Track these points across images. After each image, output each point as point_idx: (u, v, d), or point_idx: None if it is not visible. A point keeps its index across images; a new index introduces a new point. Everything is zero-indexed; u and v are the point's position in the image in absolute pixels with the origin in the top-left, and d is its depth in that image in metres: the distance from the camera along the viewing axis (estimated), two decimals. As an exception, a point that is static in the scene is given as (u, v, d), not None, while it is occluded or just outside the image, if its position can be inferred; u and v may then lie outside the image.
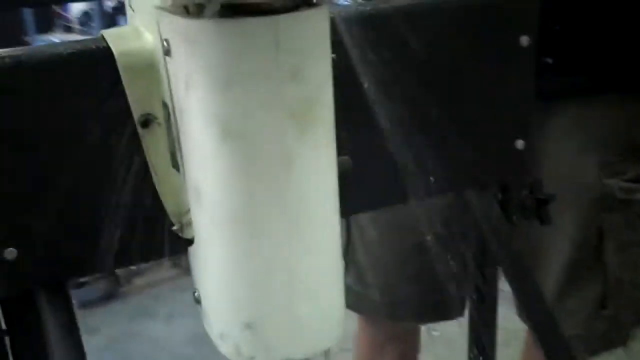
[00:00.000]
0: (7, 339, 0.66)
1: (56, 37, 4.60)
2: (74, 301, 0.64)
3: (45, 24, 4.68)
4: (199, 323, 0.57)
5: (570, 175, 0.82)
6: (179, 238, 0.61)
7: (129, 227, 0.62)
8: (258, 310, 0.52)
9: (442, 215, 0.80)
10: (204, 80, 0.47)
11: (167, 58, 0.51)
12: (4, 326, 0.66)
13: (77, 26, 4.45)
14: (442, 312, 1.26)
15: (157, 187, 0.60)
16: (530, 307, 0.78)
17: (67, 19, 4.32)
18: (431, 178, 0.73)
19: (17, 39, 4.57)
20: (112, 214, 0.61)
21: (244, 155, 0.48)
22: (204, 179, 0.50)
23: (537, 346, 1.28)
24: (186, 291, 0.59)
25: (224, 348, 0.54)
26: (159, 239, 0.62)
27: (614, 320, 1.19)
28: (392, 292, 1.19)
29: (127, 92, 0.56)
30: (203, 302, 0.56)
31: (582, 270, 1.15)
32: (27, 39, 4.59)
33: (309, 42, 0.47)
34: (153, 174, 0.60)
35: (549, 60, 0.75)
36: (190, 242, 0.58)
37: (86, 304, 2.51)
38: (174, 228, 0.61)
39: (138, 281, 2.77)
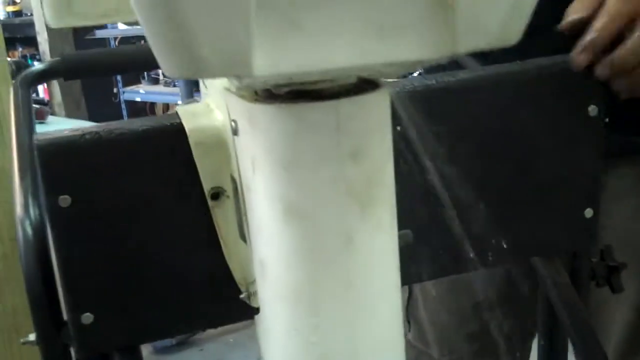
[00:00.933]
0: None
1: (142, 89, 4.78)
2: (149, 347, 0.66)
3: (134, 76, 4.88)
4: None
5: (630, 238, 0.81)
6: (247, 305, 0.63)
7: (199, 293, 0.64)
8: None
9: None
10: (268, 161, 0.49)
11: (235, 137, 0.53)
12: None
13: (162, 78, 4.62)
14: None
15: (225, 256, 0.62)
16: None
17: (154, 71, 4.49)
18: (503, 245, 0.73)
19: (108, 91, 4.79)
20: (183, 280, 0.64)
21: (305, 233, 0.49)
22: (269, 254, 0.52)
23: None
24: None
25: None
26: (228, 305, 0.64)
27: None
28: (451, 351, 1.18)
29: (198, 166, 0.59)
30: (267, 368, 0.58)
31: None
32: (115, 90, 4.80)
33: (370, 124, 0.48)
34: (222, 244, 0.62)
35: (606, 120, 0.74)
36: (257, 309, 0.60)
37: (161, 351, 2.56)
38: (242, 296, 0.63)
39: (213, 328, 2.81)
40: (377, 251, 0.51)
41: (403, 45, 0.35)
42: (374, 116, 0.48)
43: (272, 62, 0.34)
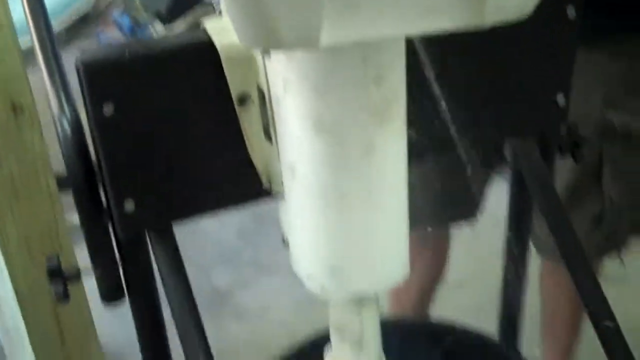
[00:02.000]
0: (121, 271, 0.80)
1: None
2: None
3: None
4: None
5: (577, 110, 0.92)
6: (263, 189, 0.73)
7: (225, 180, 0.74)
8: (341, 259, 0.65)
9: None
10: (301, 85, 0.57)
11: (266, 57, 0.61)
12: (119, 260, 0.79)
13: None
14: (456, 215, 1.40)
15: (249, 151, 0.71)
16: (562, 239, 0.89)
17: None
18: (485, 126, 0.83)
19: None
20: (211, 169, 0.73)
21: (333, 144, 0.59)
22: (299, 161, 0.61)
23: (552, 275, 1.44)
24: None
25: (311, 285, 0.67)
26: (248, 189, 0.74)
27: (608, 235, 1.34)
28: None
29: (228, 76, 0.66)
30: (293, 249, 0.69)
31: (582, 193, 1.29)
32: None
33: (390, 55, 0.56)
34: (247, 142, 0.71)
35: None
36: (270, 192, 0.70)
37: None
38: (264, 185, 0.73)
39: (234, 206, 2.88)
40: (391, 157, 0.61)
41: (440, 21, 0.42)
42: (392, 49, 0.56)
43: (336, 36, 0.42)
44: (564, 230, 0.85)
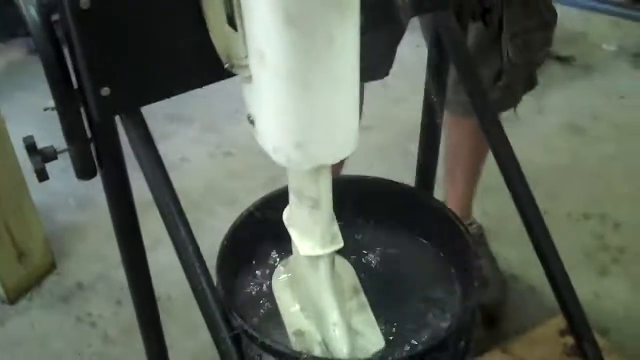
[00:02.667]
0: (92, 146, 0.87)
1: None
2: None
3: None
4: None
5: None
6: (223, 70, 0.80)
7: (189, 63, 0.81)
8: (305, 135, 0.75)
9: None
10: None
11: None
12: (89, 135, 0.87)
13: None
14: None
15: (211, 37, 0.78)
16: (473, 92, 1.01)
17: None
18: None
19: None
20: (177, 54, 0.80)
21: (301, 35, 0.67)
22: (268, 48, 0.70)
23: (456, 128, 1.61)
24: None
25: (277, 157, 0.78)
26: (211, 71, 0.82)
27: (506, 90, 1.50)
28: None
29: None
30: (258, 125, 0.78)
31: (484, 53, 1.44)
32: None
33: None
34: (209, 28, 0.78)
35: None
36: (230, 73, 0.79)
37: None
38: (226, 66, 0.80)
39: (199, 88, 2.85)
40: (348, 45, 0.70)
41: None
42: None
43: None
44: (476, 84, 0.98)
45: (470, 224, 1.85)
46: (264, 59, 0.71)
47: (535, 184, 1.05)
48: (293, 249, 0.92)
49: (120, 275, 1.89)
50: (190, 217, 0.85)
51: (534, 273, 1.88)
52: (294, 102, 0.72)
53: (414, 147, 2.09)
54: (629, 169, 2.21)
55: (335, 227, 0.88)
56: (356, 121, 0.78)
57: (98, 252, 1.98)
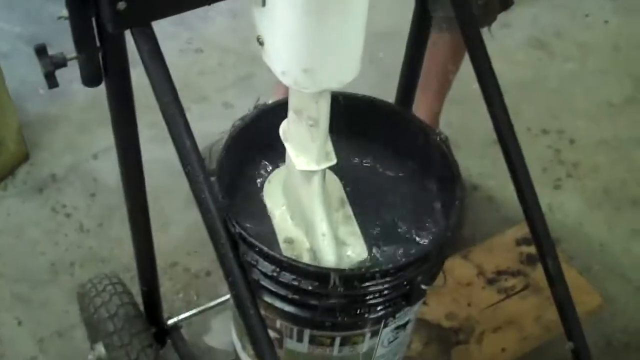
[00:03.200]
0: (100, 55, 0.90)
1: None
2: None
3: None
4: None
5: None
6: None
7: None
8: (313, 62, 0.80)
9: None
10: None
11: None
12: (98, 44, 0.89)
13: None
14: None
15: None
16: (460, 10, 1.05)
17: None
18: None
19: None
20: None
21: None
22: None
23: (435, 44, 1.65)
24: None
25: (285, 79, 0.82)
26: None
27: (484, 8, 1.56)
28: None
29: None
30: (267, 47, 0.82)
31: None
32: None
33: None
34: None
35: None
36: None
37: None
38: (237, -14, 0.83)
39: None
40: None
41: None
42: None
43: None
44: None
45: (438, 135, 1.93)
46: (282, -15, 0.75)
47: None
48: (287, 161, 0.98)
49: (93, 167, 1.96)
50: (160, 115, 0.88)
51: (492, 184, 1.99)
52: (306, 30, 0.77)
53: (382, 54, 2.16)
54: (589, 87, 2.30)
55: (329, 145, 0.94)
56: (361, 48, 0.82)
57: (71, 144, 2.00)
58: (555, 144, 2.12)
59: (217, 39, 2.35)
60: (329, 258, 0.96)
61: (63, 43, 0.89)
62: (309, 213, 0.97)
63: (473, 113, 2.11)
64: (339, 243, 0.98)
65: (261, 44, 0.84)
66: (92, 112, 2.01)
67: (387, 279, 0.91)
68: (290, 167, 0.98)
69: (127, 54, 0.92)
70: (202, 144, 1.71)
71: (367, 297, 0.93)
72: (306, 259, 0.98)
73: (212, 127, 1.95)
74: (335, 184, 1.05)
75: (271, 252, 0.91)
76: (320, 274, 0.90)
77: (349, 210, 1.03)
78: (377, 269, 0.90)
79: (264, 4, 0.80)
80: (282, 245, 0.99)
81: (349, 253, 0.99)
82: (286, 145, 0.95)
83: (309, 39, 0.77)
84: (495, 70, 1.05)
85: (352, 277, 0.90)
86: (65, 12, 0.85)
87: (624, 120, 2.20)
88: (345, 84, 0.84)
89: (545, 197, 1.93)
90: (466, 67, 1.73)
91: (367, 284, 0.91)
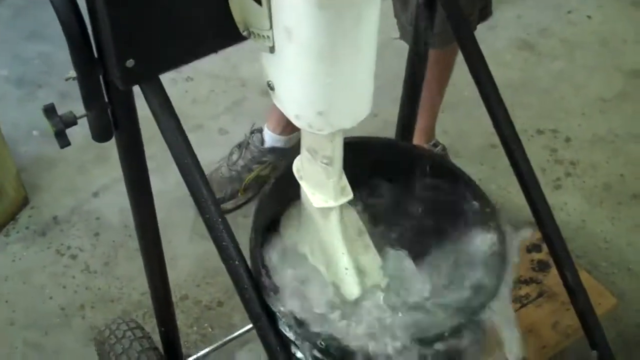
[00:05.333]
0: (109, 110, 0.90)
1: None
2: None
3: None
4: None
5: None
6: (239, 34, 0.84)
7: (206, 31, 0.84)
8: (327, 105, 0.80)
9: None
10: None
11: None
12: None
13: None
14: None
15: (230, 6, 0.81)
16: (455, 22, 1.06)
17: None
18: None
19: None
20: (194, 24, 0.83)
21: (331, 16, 0.72)
22: (296, 26, 0.73)
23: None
24: None
25: (299, 123, 0.83)
26: (225, 37, 0.85)
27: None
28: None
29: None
30: (279, 92, 0.82)
31: None
32: None
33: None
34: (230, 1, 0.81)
35: None
36: (240, 36, 0.82)
37: None
38: (244, 33, 0.83)
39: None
40: (372, 23, 0.75)
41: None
42: None
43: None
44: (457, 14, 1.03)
45: (435, 145, 1.94)
46: (291, 35, 0.75)
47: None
48: (302, 198, 0.98)
49: (94, 206, 1.95)
50: (158, 146, 0.88)
51: (494, 188, 1.99)
52: (319, 76, 0.77)
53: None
54: (579, 84, 2.32)
55: (345, 180, 0.95)
56: (372, 86, 0.83)
57: (70, 184, 1.99)
58: (551, 143, 2.13)
59: (206, 66, 2.35)
60: (353, 291, 0.96)
61: (52, 83, 0.89)
62: (330, 248, 0.97)
63: (467, 119, 2.13)
64: (361, 273, 0.98)
65: (272, 88, 0.84)
66: (89, 151, 2.00)
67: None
68: (306, 204, 0.98)
69: (136, 108, 0.92)
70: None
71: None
72: (329, 293, 0.98)
73: (210, 155, 1.96)
74: (352, 215, 1.05)
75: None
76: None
77: (367, 239, 1.03)
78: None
79: (272, 50, 0.80)
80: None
81: (369, 282, 1.00)
82: (301, 183, 0.95)
83: (322, 83, 0.78)
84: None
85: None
86: (72, 73, 0.85)
87: (617, 115, 2.22)
88: (358, 122, 0.84)
89: (547, 198, 1.94)
90: (457, 74, 1.76)
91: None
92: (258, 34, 0.82)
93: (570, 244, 1.81)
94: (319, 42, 0.74)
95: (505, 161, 1.09)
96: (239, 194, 1.90)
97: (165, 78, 0.84)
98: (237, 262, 0.87)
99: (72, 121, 0.89)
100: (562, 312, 1.43)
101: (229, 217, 1.82)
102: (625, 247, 1.89)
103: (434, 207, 1.07)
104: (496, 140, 1.08)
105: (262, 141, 1.90)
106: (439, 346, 0.88)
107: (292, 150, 1.91)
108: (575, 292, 1.08)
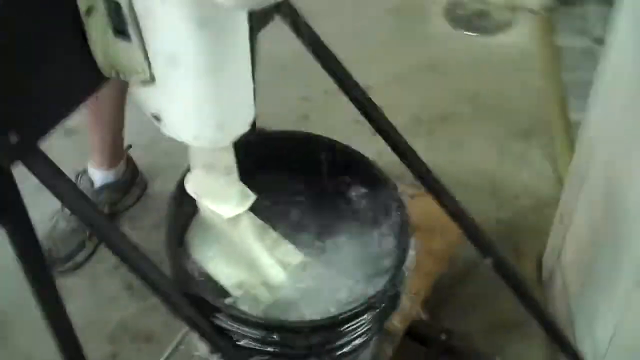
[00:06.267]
0: None
1: None
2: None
3: None
4: None
5: None
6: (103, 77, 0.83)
7: (73, 82, 0.82)
8: (224, 116, 0.83)
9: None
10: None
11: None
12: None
13: None
14: None
15: (94, 52, 0.80)
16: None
17: None
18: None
19: None
20: (63, 78, 0.81)
21: (213, 35, 0.74)
22: (181, 50, 0.75)
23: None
24: None
25: (198, 142, 0.84)
26: (90, 82, 0.84)
27: None
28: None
29: (77, -1, 0.74)
30: (168, 120, 0.83)
31: None
32: None
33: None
34: (92, 45, 0.80)
35: None
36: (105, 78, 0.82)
37: None
38: (111, 74, 0.83)
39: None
40: (245, 39, 0.79)
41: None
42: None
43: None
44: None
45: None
46: (176, 60, 0.76)
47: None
48: (202, 215, 1.00)
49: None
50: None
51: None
52: (211, 93, 0.80)
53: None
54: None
55: (242, 184, 0.97)
56: (252, 102, 0.86)
57: None
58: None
59: None
60: (282, 282, 1.00)
61: None
62: (247, 252, 1.00)
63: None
64: (285, 265, 1.02)
65: (158, 119, 0.84)
66: None
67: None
68: (209, 220, 0.99)
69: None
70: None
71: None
72: (263, 293, 1.01)
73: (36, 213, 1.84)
74: (249, 215, 1.08)
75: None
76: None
77: (273, 232, 1.07)
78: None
79: (151, 82, 0.80)
80: (235, 292, 1.01)
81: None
82: (202, 201, 0.97)
83: (218, 97, 0.80)
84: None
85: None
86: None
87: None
88: (250, 124, 0.88)
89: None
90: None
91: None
92: (129, 72, 0.82)
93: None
94: (206, 62, 0.76)
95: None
96: (86, 242, 1.83)
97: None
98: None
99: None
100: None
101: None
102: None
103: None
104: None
105: (92, 182, 1.84)
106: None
107: (123, 183, 1.87)
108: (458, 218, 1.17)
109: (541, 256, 1.75)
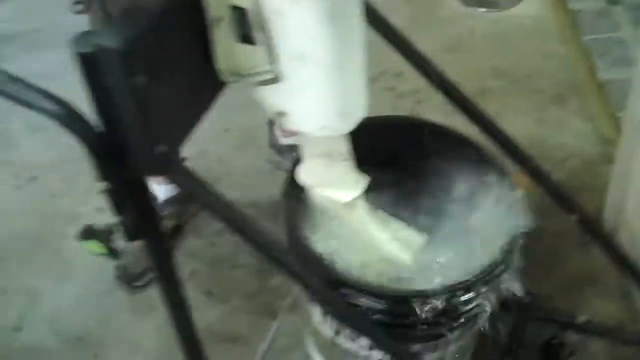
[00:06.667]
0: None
1: None
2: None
3: None
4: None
5: None
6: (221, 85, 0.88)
7: (201, 93, 0.87)
8: (345, 105, 0.88)
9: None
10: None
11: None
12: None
13: None
14: None
15: (218, 60, 0.85)
16: None
17: None
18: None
19: None
20: (194, 90, 0.85)
21: (339, 29, 0.79)
22: (311, 48, 0.80)
23: None
24: None
25: (324, 132, 0.89)
26: (212, 90, 0.88)
27: None
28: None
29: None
30: (294, 116, 0.88)
31: None
32: None
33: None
34: (216, 52, 0.84)
35: None
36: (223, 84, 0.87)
37: None
38: (230, 79, 0.87)
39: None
40: (362, 23, 0.84)
41: None
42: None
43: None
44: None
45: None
46: (304, 57, 0.81)
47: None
48: (320, 206, 1.04)
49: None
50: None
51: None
52: (338, 84, 0.85)
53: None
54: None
55: (356, 169, 1.02)
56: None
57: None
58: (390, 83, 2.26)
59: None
60: (405, 258, 1.05)
61: None
62: (365, 233, 1.05)
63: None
64: (410, 245, 1.07)
65: (281, 115, 0.89)
66: None
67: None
68: (325, 208, 1.04)
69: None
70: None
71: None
72: (390, 270, 1.05)
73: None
74: (362, 199, 1.11)
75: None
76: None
77: (382, 213, 1.11)
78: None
79: (276, 81, 0.85)
80: (361, 272, 1.05)
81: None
82: (319, 190, 1.01)
83: (340, 89, 0.85)
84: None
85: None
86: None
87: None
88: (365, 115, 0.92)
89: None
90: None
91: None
92: (253, 74, 0.86)
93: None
94: (335, 53, 0.81)
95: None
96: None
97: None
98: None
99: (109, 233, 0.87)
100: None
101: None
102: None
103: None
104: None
105: (155, 198, 1.89)
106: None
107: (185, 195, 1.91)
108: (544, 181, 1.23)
109: (601, 212, 1.80)
